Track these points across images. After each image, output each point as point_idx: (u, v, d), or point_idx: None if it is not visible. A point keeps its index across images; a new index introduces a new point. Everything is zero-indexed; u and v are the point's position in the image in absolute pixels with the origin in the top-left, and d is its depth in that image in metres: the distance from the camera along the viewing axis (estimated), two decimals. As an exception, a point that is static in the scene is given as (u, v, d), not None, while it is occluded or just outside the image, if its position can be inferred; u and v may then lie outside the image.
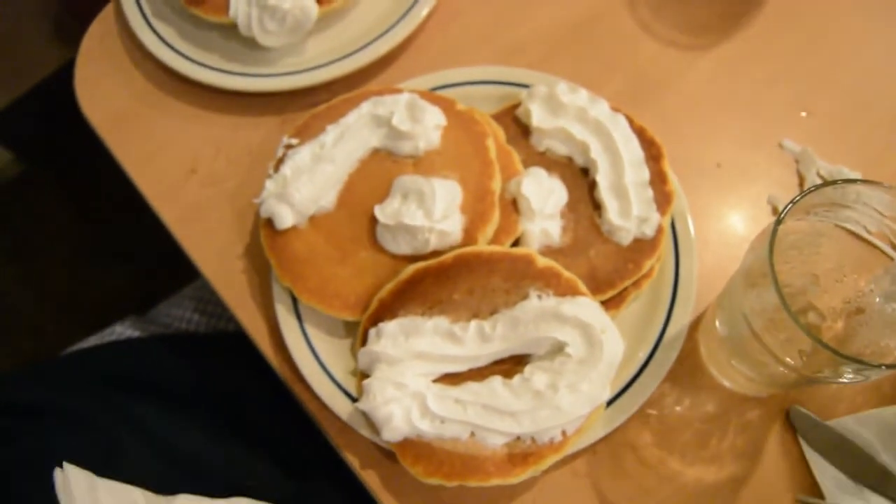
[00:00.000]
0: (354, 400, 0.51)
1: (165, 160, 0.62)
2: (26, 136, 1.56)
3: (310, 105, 0.62)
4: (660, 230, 0.51)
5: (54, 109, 1.53)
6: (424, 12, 0.63)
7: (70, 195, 1.53)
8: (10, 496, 0.46)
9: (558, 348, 0.47)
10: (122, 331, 0.73)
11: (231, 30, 0.64)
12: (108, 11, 0.69)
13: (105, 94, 0.66)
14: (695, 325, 0.53)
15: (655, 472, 0.49)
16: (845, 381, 0.40)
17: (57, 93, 1.56)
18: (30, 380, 0.59)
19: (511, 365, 0.49)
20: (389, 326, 0.49)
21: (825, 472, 0.49)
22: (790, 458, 0.49)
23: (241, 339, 0.58)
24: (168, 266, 0.84)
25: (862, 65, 0.62)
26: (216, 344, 0.69)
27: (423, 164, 0.52)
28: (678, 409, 0.51)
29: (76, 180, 1.52)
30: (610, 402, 0.50)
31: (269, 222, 0.53)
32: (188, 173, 0.62)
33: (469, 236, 0.50)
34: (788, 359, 0.41)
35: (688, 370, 0.52)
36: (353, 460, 0.51)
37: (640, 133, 0.53)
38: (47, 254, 1.40)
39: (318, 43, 0.64)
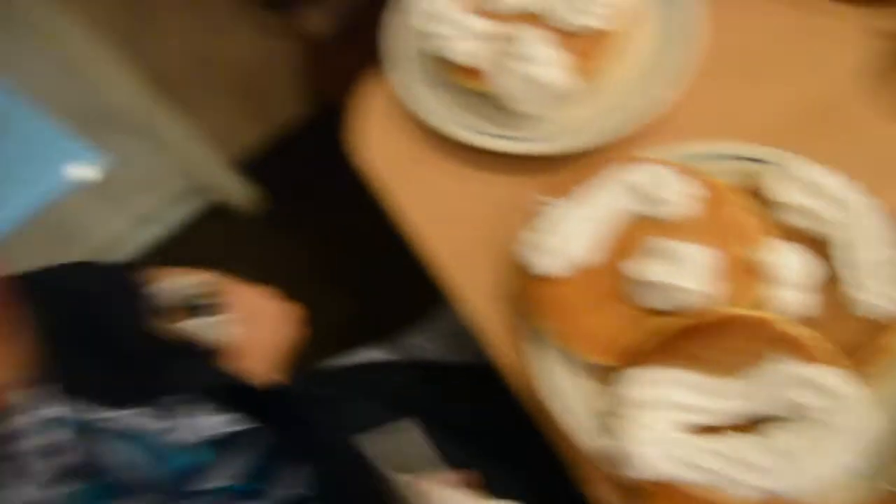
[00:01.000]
0: (598, 438, 0.55)
1: (429, 206, 0.71)
2: (277, 175, 1.77)
3: (563, 166, 0.68)
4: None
5: (305, 153, 1.73)
6: (674, 94, 0.67)
7: (316, 231, 1.71)
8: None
9: (802, 412, 0.49)
10: (370, 354, 0.82)
11: (490, 96, 0.72)
12: (376, 74, 0.80)
13: (375, 144, 0.77)
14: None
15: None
16: None
17: (308, 138, 1.78)
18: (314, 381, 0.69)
19: (755, 423, 0.51)
20: (640, 373, 0.53)
21: None
22: None
23: (484, 371, 0.65)
24: (409, 300, 0.93)
25: None
26: (460, 373, 0.76)
27: (674, 228, 0.57)
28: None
29: (322, 218, 1.70)
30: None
31: (527, 268, 0.60)
32: (452, 220, 0.70)
33: (718, 299, 0.53)
34: None
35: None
36: (593, 495, 0.56)
37: (889, 213, 0.54)
38: (292, 285, 1.57)
39: (572, 112, 0.70)
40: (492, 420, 0.68)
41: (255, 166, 1.81)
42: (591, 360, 0.57)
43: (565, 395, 0.58)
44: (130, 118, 1.61)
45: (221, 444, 0.48)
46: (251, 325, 0.60)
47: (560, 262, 0.59)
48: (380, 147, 0.77)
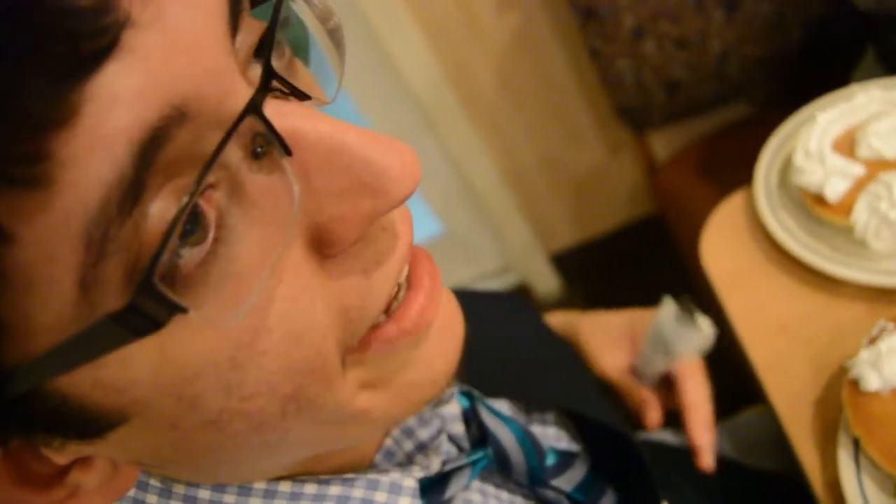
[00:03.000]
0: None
1: (764, 314, 0.79)
2: (579, 272, 1.93)
3: (897, 300, 0.73)
4: None
5: (613, 258, 1.88)
6: None
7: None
8: None
9: None
10: (663, 435, 0.89)
11: (843, 229, 0.79)
12: (737, 195, 0.91)
13: (723, 253, 0.87)
14: None
15: None
16: None
17: (622, 245, 1.93)
18: None
19: None
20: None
21: None
22: None
23: (779, 480, 0.69)
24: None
25: None
26: (752, 476, 0.81)
27: None
28: None
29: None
30: None
31: (855, 382, 0.65)
32: (779, 329, 0.77)
33: None
34: None
35: None
36: None
37: None
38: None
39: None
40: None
41: (565, 261, 1.98)
42: (905, 479, 0.60)
43: (872, 507, 0.62)
44: (478, 200, 1.87)
45: (567, 456, 0.54)
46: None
47: (888, 383, 0.63)
48: (726, 254, 0.87)
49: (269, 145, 0.27)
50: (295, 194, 0.26)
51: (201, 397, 0.27)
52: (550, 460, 0.51)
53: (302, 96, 0.29)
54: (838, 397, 0.67)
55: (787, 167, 0.87)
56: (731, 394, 0.83)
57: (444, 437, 0.45)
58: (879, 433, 0.63)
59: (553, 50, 1.62)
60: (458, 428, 0.47)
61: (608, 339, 0.72)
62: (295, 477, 0.38)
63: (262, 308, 0.27)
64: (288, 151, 0.26)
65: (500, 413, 0.49)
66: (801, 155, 0.84)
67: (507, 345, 0.61)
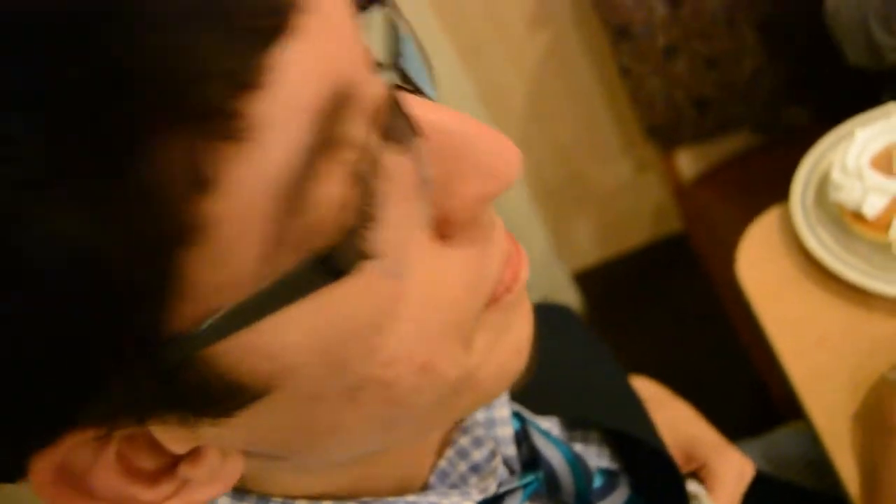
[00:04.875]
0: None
1: (800, 329, 0.80)
2: (602, 289, 1.93)
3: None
4: None
5: (635, 276, 1.88)
6: None
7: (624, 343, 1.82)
8: None
9: None
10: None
11: (881, 245, 0.79)
12: (773, 211, 0.91)
13: (759, 268, 0.87)
14: None
15: None
16: None
17: (642, 263, 1.93)
18: None
19: None
20: None
21: None
22: None
23: (814, 494, 0.69)
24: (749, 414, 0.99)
25: None
26: (787, 490, 0.81)
27: None
28: None
29: (634, 333, 1.82)
30: None
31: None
32: (817, 343, 0.78)
33: None
34: None
35: None
36: None
37: None
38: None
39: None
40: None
41: (588, 279, 1.99)
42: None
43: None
44: (506, 216, 1.88)
45: (610, 476, 0.54)
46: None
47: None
48: (762, 269, 0.87)
49: (403, 130, 0.29)
50: (426, 174, 0.29)
51: (348, 362, 0.29)
52: (598, 482, 0.52)
53: (419, 91, 0.32)
54: (878, 411, 0.67)
55: (823, 184, 0.88)
56: (764, 412, 0.83)
57: (499, 460, 0.45)
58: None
59: (583, 67, 1.64)
60: (511, 450, 0.48)
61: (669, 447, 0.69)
62: (342, 500, 0.39)
63: (404, 275, 0.29)
64: (419, 135, 0.29)
65: (549, 435, 0.50)
66: (839, 171, 0.84)
67: (554, 359, 0.61)
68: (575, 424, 0.57)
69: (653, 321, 1.84)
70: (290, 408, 0.29)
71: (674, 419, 0.68)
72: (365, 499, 0.39)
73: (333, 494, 0.39)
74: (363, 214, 0.26)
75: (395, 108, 0.28)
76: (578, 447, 0.56)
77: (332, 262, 0.26)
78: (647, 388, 0.71)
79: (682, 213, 1.67)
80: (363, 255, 0.26)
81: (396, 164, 0.28)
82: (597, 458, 0.56)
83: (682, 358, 1.65)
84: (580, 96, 1.68)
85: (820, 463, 0.73)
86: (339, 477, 0.39)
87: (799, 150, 0.94)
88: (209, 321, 0.25)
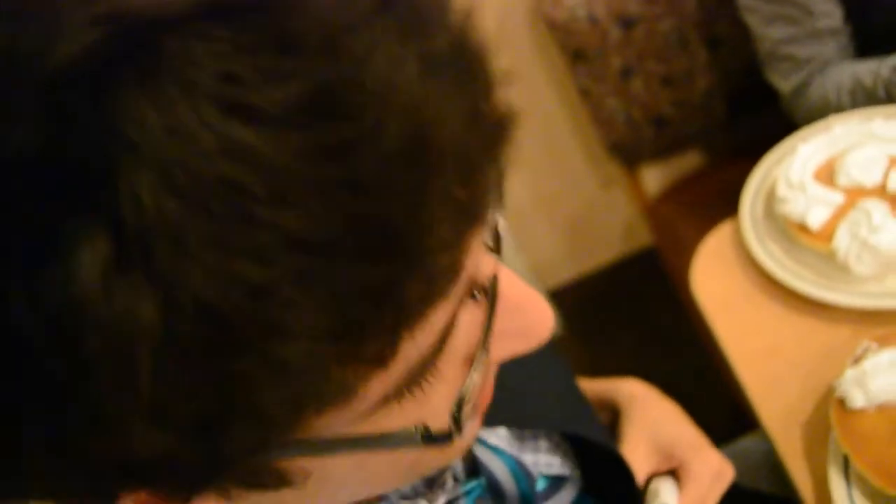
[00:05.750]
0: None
1: (754, 338, 0.82)
2: (578, 307, 1.95)
3: (883, 321, 0.75)
4: None
5: (608, 291, 1.91)
6: None
7: (602, 359, 1.85)
8: None
9: None
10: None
11: (826, 255, 0.82)
12: (725, 225, 0.94)
13: (712, 282, 0.90)
14: None
15: None
16: None
17: (614, 278, 1.96)
18: None
19: None
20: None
21: None
22: None
23: (774, 499, 0.71)
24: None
25: None
26: (753, 497, 0.82)
27: None
28: None
29: (608, 349, 1.84)
30: None
31: (842, 401, 0.68)
32: (769, 353, 0.80)
33: None
34: None
35: None
36: None
37: None
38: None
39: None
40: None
41: (564, 296, 2.01)
42: (891, 493, 0.62)
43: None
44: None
45: (556, 479, 0.57)
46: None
47: (872, 400, 0.66)
48: (715, 282, 0.90)
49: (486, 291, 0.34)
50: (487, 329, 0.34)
51: (370, 467, 0.34)
52: (541, 486, 0.55)
53: (496, 252, 0.36)
54: (828, 417, 0.69)
55: (771, 197, 0.91)
56: (734, 421, 0.85)
57: (449, 474, 0.49)
58: (866, 449, 0.65)
59: (544, 90, 1.67)
60: (458, 464, 0.52)
61: (650, 445, 0.68)
62: None
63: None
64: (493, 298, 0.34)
65: (489, 444, 0.54)
66: (784, 185, 0.87)
67: (504, 369, 0.63)
68: (524, 433, 0.59)
69: (627, 335, 1.87)
70: (305, 488, 0.33)
71: (658, 419, 0.69)
72: None
73: None
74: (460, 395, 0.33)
75: (493, 279, 0.33)
76: (529, 455, 0.58)
77: (434, 434, 0.32)
78: (635, 388, 0.73)
79: (650, 228, 1.70)
80: (458, 426, 0.33)
81: (466, 318, 0.33)
82: (546, 466, 0.58)
83: (656, 369, 1.67)
84: (543, 118, 1.71)
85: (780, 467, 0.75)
86: None
87: (753, 164, 0.97)
88: (310, 441, 0.30)
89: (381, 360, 0.28)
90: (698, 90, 1.45)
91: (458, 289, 0.30)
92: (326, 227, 0.24)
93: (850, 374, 0.69)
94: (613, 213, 1.90)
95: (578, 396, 0.67)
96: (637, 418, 0.68)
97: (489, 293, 0.33)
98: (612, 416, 0.72)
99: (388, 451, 0.33)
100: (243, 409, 0.25)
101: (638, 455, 0.65)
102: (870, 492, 0.65)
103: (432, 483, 0.48)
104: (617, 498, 0.60)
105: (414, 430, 0.32)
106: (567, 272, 2.00)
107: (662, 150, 1.57)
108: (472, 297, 0.33)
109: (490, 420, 0.55)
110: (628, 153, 1.56)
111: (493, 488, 0.51)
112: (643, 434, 0.67)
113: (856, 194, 0.83)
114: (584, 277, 1.99)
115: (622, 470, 0.60)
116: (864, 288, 0.79)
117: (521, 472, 0.53)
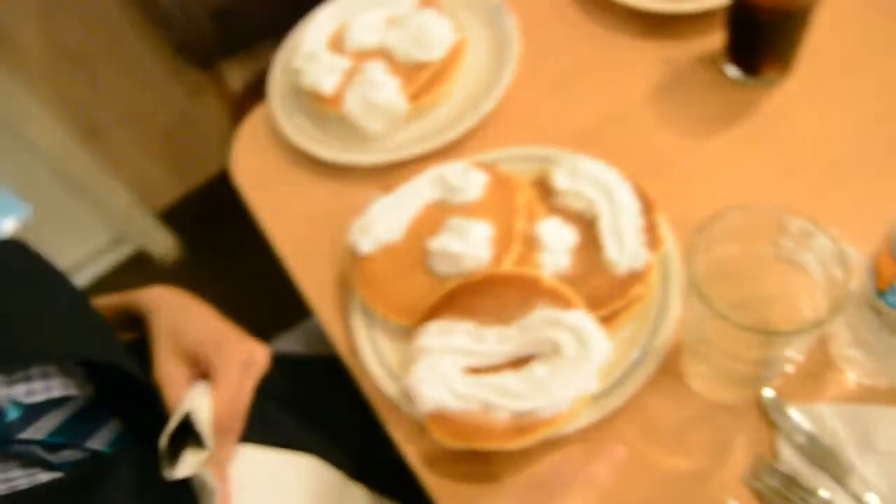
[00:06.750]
0: (399, 383, 0.65)
1: (292, 212, 0.83)
2: (191, 225, 1.87)
3: (402, 175, 0.80)
4: (648, 265, 0.64)
5: (218, 203, 1.84)
6: (487, 109, 0.81)
7: (221, 275, 1.80)
8: None
9: (557, 348, 0.60)
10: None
11: (346, 119, 0.84)
12: (260, 109, 0.93)
13: (251, 166, 0.88)
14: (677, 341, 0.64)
15: (638, 462, 0.60)
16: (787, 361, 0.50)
17: (221, 189, 1.89)
18: None
19: (521, 363, 0.62)
20: (432, 326, 0.64)
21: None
22: (761, 446, 0.59)
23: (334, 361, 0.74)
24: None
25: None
26: (311, 363, 0.85)
27: (467, 210, 0.69)
28: (660, 410, 0.62)
29: (227, 263, 1.80)
30: (601, 397, 0.61)
31: (353, 250, 0.71)
32: (307, 219, 0.82)
33: (496, 262, 0.65)
34: (732, 350, 0.52)
35: (670, 378, 0.63)
36: (396, 434, 0.65)
37: (641, 194, 0.67)
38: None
39: (408, 130, 0.84)
40: (335, 402, 0.77)
41: (175, 217, 1.91)
42: (402, 324, 0.68)
43: (383, 355, 0.68)
44: (62, 171, 1.70)
45: (36, 407, 0.53)
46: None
47: (376, 242, 0.70)
48: (253, 165, 0.89)
49: None
50: None
51: None
52: (12, 416, 0.50)
53: None
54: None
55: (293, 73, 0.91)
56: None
57: None
58: (377, 288, 0.70)
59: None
60: None
61: (176, 352, 0.63)
62: None
63: None
64: None
65: None
66: (299, 57, 0.88)
67: None
68: (11, 365, 0.53)
69: (247, 247, 1.82)
70: None
71: (177, 323, 0.66)
72: None
73: None
74: None
75: None
76: (21, 387, 0.52)
77: None
78: (156, 295, 0.69)
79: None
80: None
81: None
82: (28, 392, 0.53)
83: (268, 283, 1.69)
84: (103, 28, 1.55)
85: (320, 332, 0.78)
86: None
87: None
88: None
89: None
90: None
91: None
92: None
93: (357, 223, 0.72)
94: (208, 121, 1.82)
95: (88, 318, 0.62)
96: (161, 328, 0.65)
97: None
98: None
99: None
100: None
101: (170, 367, 0.62)
102: (390, 327, 0.69)
103: None
104: (137, 412, 0.57)
105: None
106: (174, 191, 1.90)
107: (236, 46, 1.51)
108: None
109: None
110: (198, 53, 1.48)
111: None
112: (169, 343, 0.64)
113: (361, 57, 0.86)
114: (192, 193, 1.91)
115: (142, 386, 0.57)
116: (379, 146, 0.84)
117: None
